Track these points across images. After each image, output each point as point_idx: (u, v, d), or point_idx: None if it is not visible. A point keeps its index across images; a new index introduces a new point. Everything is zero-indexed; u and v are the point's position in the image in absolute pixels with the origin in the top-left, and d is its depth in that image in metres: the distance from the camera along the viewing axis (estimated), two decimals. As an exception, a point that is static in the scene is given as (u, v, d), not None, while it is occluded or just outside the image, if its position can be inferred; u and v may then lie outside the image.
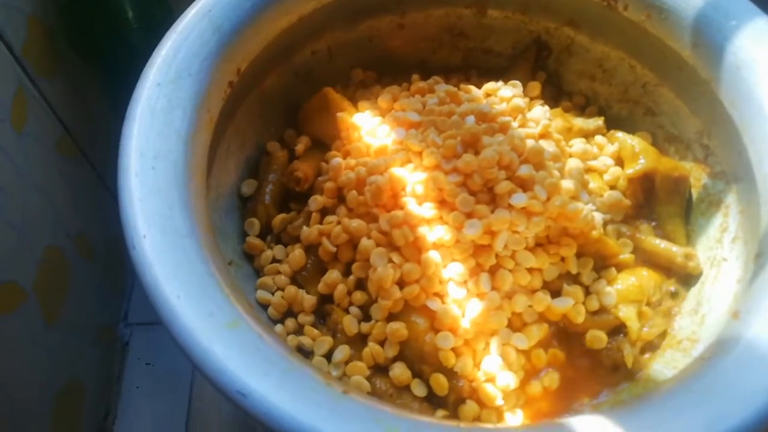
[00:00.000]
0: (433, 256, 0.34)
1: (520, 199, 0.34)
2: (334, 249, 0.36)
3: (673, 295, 0.36)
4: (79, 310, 0.49)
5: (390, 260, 0.34)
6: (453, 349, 0.33)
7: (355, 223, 0.35)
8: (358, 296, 0.35)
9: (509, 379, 0.32)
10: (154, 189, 0.29)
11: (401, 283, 0.34)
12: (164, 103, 0.32)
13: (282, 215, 0.38)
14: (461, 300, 0.34)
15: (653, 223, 0.39)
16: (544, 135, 0.39)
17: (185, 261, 0.28)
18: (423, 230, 0.34)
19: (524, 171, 0.35)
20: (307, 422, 0.24)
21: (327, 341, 0.34)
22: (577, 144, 0.40)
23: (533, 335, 0.34)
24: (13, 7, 0.42)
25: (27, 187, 0.43)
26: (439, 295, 0.34)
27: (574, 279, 0.36)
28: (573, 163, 0.38)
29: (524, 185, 0.35)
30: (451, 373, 0.33)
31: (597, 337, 0.34)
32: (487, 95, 0.42)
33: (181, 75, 0.33)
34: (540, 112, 0.41)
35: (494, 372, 0.33)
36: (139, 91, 0.32)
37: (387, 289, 0.34)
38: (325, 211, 0.38)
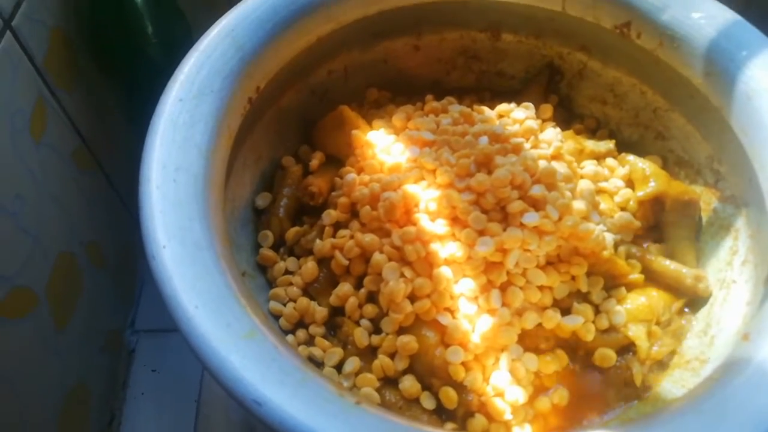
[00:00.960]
0: (445, 271, 0.34)
1: (532, 218, 0.34)
2: (346, 262, 0.36)
3: (683, 316, 0.37)
4: (88, 316, 0.50)
5: (402, 275, 0.35)
6: (462, 364, 0.33)
7: (368, 238, 0.36)
8: (369, 309, 0.35)
9: (518, 394, 0.33)
10: (175, 201, 0.30)
11: (412, 298, 0.34)
12: (186, 118, 0.32)
13: (295, 228, 0.39)
14: (472, 315, 0.34)
15: (663, 245, 0.39)
16: (556, 156, 0.39)
17: (204, 272, 0.28)
18: (435, 246, 0.35)
19: (536, 191, 0.35)
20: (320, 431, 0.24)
21: (337, 353, 0.34)
22: (589, 166, 0.41)
23: (549, 365, 0.34)
24: (37, 20, 0.43)
25: (43, 195, 0.43)
26: (450, 311, 0.34)
27: (584, 298, 0.36)
28: (584, 185, 0.38)
29: (536, 205, 0.35)
30: (460, 387, 0.33)
31: (606, 356, 0.34)
32: (500, 116, 0.42)
33: (203, 91, 0.34)
34: (552, 133, 0.41)
35: (503, 387, 0.33)
36: (162, 106, 0.33)
37: (398, 303, 0.34)
38: (338, 225, 0.38)
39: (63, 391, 0.46)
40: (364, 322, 0.35)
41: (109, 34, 0.48)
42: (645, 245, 0.39)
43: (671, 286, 0.37)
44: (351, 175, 0.39)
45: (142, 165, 0.31)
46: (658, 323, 0.36)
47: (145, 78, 0.46)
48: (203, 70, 0.34)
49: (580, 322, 0.34)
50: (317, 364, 0.35)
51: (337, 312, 0.37)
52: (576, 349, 0.35)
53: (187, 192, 0.30)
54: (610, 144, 0.43)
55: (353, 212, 0.38)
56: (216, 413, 0.50)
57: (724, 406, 0.26)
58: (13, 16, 0.40)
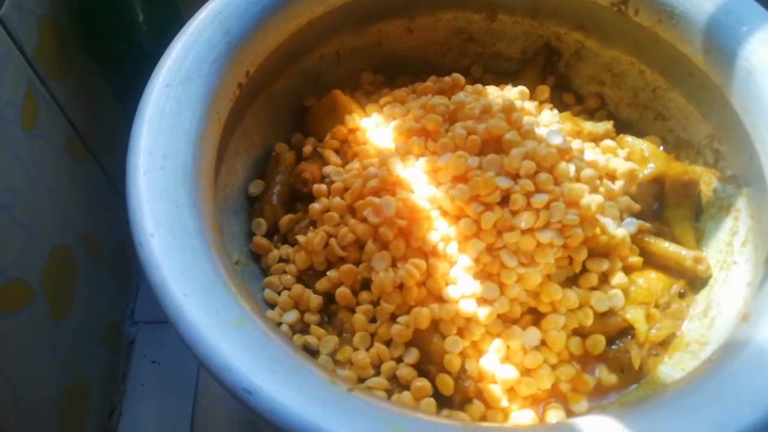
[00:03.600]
0: (441, 259, 0.34)
1: (541, 197, 0.34)
2: (343, 253, 0.36)
3: (682, 298, 0.36)
4: (86, 308, 0.49)
5: (393, 264, 0.34)
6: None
7: (362, 226, 0.35)
8: (365, 296, 0.35)
9: (512, 373, 0.32)
10: (162, 188, 0.29)
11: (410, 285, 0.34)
12: (173, 105, 0.32)
13: (289, 215, 0.38)
14: (469, 301, 0.33)
15: (663, 227, 0.38)
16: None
17: (193, 260, 0.28)
18: (433, 235, 0.34)
19: (543, 177, 0.34)
20: (313, 420, 0.24)
21: (333, 340, 0.34)
22: (588, 149, 0.40)
23: (556, 341, 0.34)
24: (26, 9, 0.42)
25: (36, 186, 0.43)
26: (445, 299, 0.34)
27: (583, 281, 0.35)
28: (586, 172, 0.37)
29: (541, 187, 0.34)
30: (456, 373, 0.33)
31: (597, 342, 0.34)
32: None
33: (190, 77, 0.33)
34: (549, 116, 0.41)
35: (500, 373, 0.32)
36: (149, 91, 0.32)
37: (389, 293, 0.34)
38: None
39: (62, 383, 0.46)
40: (362, 308, 0.35)
41: (99, 21, 0.48)
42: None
43: (670, 268, 0.37)
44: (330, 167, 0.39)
45: (129, 152, 0.30)
46: (657, 306, 0.35)
47: (136, 65, 0.45)
48: (190, 54, 0.34)
49: (576, 304, 0.34)
50: (312, 352, 0.34)
51: (332, 300, 0.36)
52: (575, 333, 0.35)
53: (175, 179, 0.30)
54: (608, 125, 0.42)
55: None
56: (215, 404, 0.50)
57: (723, 387, 0.25)
58: (0, 6, 0.40)
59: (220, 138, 0.35)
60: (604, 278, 0.36)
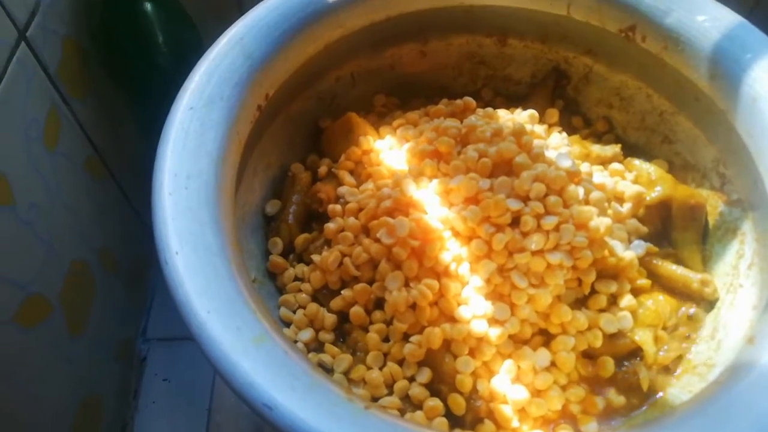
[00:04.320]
0: (453, 279, 0.34)
1: (551, 220, 0.34)
2: (357, 273, 0.36)
3: (690, 321, 0.37)
4: (101, 324, 0.50)
5: (406, 284, 0.35)
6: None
7: (376, 246, 0.36)
8: (378, 316, 0.36)
9: (523, 394, 0.33)
10: (186, 208, 0.30)
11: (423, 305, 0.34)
12: (197, 126, 0.33)
13: (304, 235, 0.39)
14: (480, 321, 0.34)
15: (670, 249, 0.39)
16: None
17: (215, 278, 0.28)
18: (446, 256, 0.35)
19: (553, 199, 0.35)
20: (331, 436, 0.25)
21: (347, 359, 0.35)
22: (597, 172, 0.41)
23: (565, 363, 0.34)
24: (50, 30, 0.44)
25: (56, 203, 0.44)
26: (457, 319, 0.34)
27: (592, 302, 0.36)
28: (595, 195, 0.38)
29: (551, 210, 0.35)
30: (468, 393, 0.33)
31: (606, 363, 0.35)
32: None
33: (213, 99, 0.34)
34: (558, 139, 0.42)
35: (507, 391, 0.33)
36: (174, 114, 0.33)
37: (402, 312, 0.34)
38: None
39: (76, 399, 0.47)
40: (375, 327, 0.35)
41: (120, 43, 0.49)
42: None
43: (678, 291, 0.37)
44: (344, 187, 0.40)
45: (155, 172, 0.31)
46: (664, 328, 0.36)
47: (155, 87, 0.46)
48: (213, 78, 0.35)
49: (585, 326, 0.35)
50: (327, 370, 0.35)
51: (346, 318, 0.37)
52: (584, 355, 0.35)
53: (198, 199, 0.31)
54: (616, 148, 0.43)
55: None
56: (227, 421, 0.50)
57: (729, 409, 0.26)
58: (27, 27, 0.41)
59: (240, 158, 0.36)
60: (613, 300, 0.36)
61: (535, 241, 0.34)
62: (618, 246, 0.36)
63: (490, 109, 0.42)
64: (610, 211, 0.38)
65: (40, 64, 0.42)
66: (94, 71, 0.50)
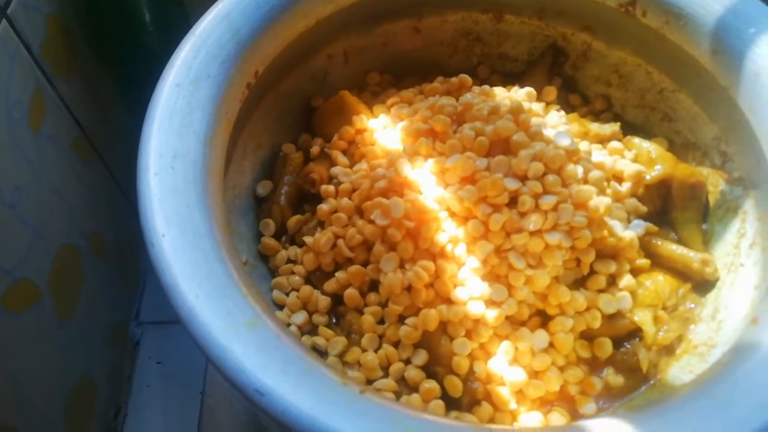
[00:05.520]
0: (450, 260, 0.34)
1: (549, 199, 0.34)
2: (351, 254, 0.36)
3: (690, 300, 0.36)
4: (91, 308, 0.49)
5: (401, 265, 0.34)
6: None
7: (370, 227, 0.35)
8: (373, 298, 0.35)
9: (520, 376, 0.32)
10: (173, 189, 0.29)
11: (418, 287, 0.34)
12: (183, 105, 0.32)
13: (297, 216, 0.39)
14: (477, 303, 0.33)
15: (670, 229, 0.38)
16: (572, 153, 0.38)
17: (204, 260, 0.28)
18: (441, 237, 0.34)
19: (551, 179, 0.34)
20: (325, 421, 0.24)
21: (341, 341, 0.34)
22: (596, 151, 0.40)
23: (563, 344, 0.34)
24: (33, 7, 0.42)
25: (43, 186, 0.43)
26: (454, 301, 0.34)
27: (591, 283, 0.35)
28: (594, 174, 0.37)
29: (548, 189, 0.34)
30: (465, 375, 0.33)
31: (604, 344, 0.34)
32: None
33: (200, 77, 0.33)
34: (556, 117, 0.41)
35: (504, 372, 0.33)
36: (159, 92, 0.32)
37: (397, 294, 0.34)
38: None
39: (68, 384, 0.46)
40: (370, 310, 0.35)
41: (106, 21, 0.48)
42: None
43: (678, 271, 0.37)
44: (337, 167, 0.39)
45: (140, 152, 0.30)
46: (664, 308, 0.35)
47: (142, 65, 0.45)
48: (199, 55, 0.34)
49: (584, 306, 0.34)
50: (321, 353, 0.34)
51: (340, 301, 0.36)
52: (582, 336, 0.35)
53: (185, 179, 0.30)
54: (615, 126, 0.42)
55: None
56: (220, 405, 0.50)
57: (733, 390, 0.25)
58: (8, 4, 0.39)
59: (229, 138, 0.35)
60: (612, 280, 0.36)
61: (533, 221, 0.33)
62: (617, 226, 0.36)
63: (486, 87, 0.41)
64: (609, 191, 0.38)
65: (22, 43, 0.41)
66: (79, 50, 0.49)
